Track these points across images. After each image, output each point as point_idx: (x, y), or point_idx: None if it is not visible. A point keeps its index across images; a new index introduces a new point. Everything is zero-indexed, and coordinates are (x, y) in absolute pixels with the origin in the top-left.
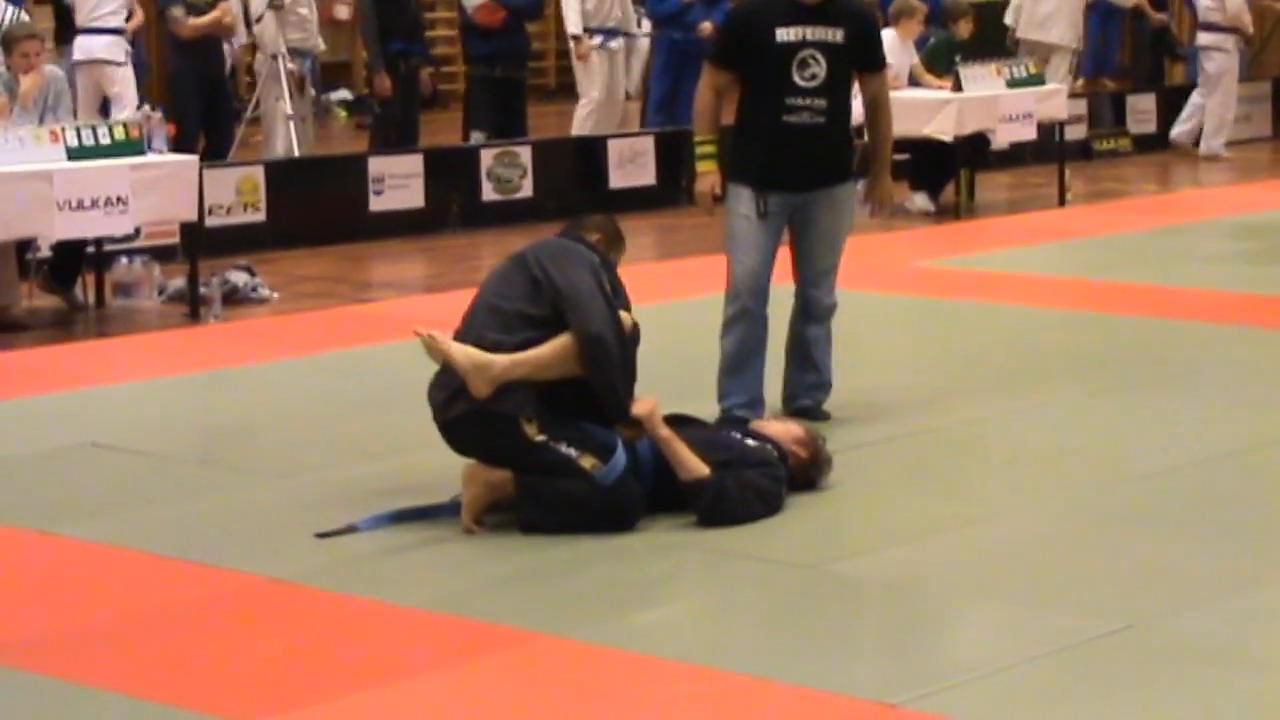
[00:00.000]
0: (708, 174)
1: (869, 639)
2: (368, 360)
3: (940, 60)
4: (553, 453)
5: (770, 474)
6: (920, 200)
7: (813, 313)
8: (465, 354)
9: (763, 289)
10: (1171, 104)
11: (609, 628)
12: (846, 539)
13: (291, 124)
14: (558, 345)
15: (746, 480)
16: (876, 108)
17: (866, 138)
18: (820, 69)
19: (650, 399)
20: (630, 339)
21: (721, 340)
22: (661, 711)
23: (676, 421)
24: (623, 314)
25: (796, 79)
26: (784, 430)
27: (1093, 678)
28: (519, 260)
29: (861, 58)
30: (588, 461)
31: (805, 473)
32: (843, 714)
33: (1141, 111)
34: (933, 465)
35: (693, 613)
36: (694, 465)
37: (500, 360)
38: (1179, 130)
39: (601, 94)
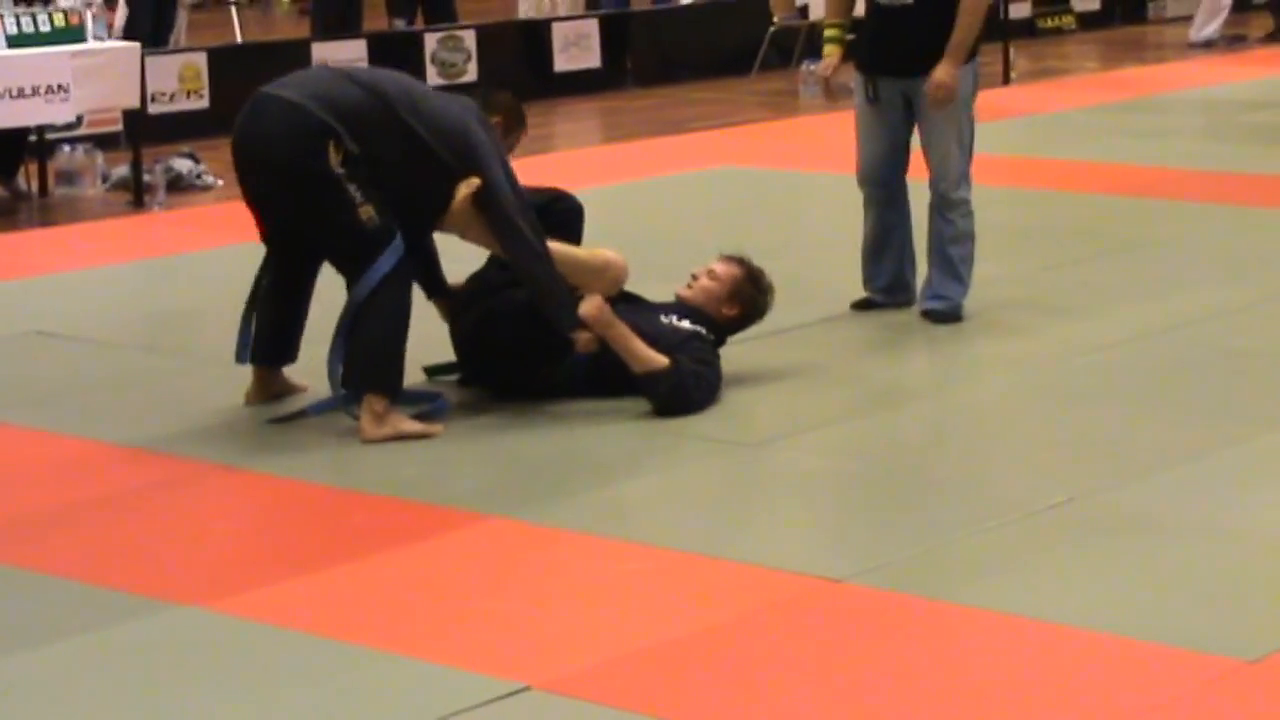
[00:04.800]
0: (826, 57)
1: (813, 515)
2: None
3: None
4: (338, 188)
5: (705, 359)
6: None
7: (937, 205)
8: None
9: (883, 177)
10: None
11: (557, 508)
12: (791, 417)
13: (233, 9)
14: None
15: (699, 374)
16: None
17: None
18: None
19: (596, 299)
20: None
21: (862, 224)
22: (610, 588)
23: (620, 300)
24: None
25: None
26: (708, 292)
27: (1035, 550)
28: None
29: None
30: (365, 212)
31: (744, 322)
32: (788, 589)
33: None
34: (876, 341)
35: (640, 493)
36: (648, 357)
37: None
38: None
39: None
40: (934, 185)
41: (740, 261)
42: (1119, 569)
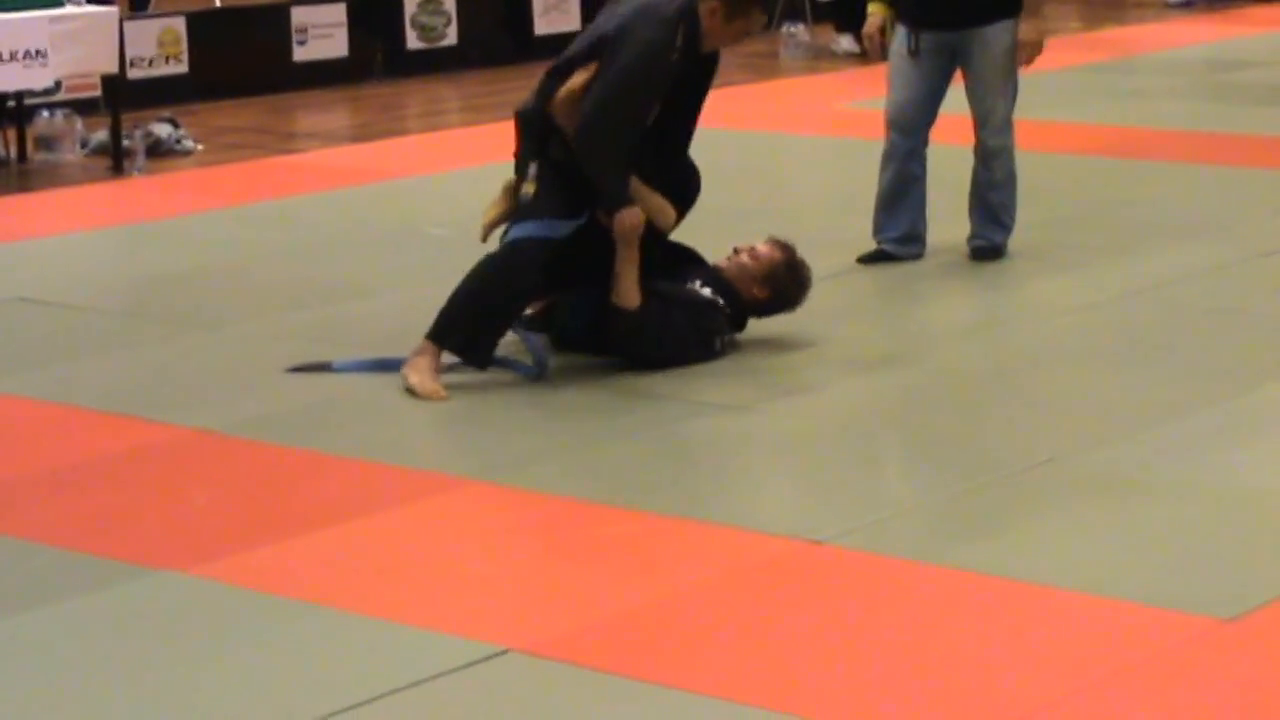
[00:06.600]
0: (872, 15)
1: (795, 478)
2: (294, 210)
3: None
4: (523, 164)
5: (698, 323)
6: (846, 42)
7: (979, 152)
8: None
9: (911, 125)
10: None
11: (537, 472)
12: (776, 380)
13: None
14: None
15: (670, 321)
16: None
17: None
18: None
19: (639, 215)
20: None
21: (879, 176)
22: (590, 551)
23: (675, 254)
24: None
25: None
26: (743, 269)
27: (1015, 509)
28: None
29: None
30: (528, 187)
31: (771, 307)
32: (769, 552)
33: None
34: (857, 305)
35: (622, 456)
36: (628, 292)
37: None
38: None
39: None
40: (978, 134)
41: (785, 248)
42: (1099, 529)
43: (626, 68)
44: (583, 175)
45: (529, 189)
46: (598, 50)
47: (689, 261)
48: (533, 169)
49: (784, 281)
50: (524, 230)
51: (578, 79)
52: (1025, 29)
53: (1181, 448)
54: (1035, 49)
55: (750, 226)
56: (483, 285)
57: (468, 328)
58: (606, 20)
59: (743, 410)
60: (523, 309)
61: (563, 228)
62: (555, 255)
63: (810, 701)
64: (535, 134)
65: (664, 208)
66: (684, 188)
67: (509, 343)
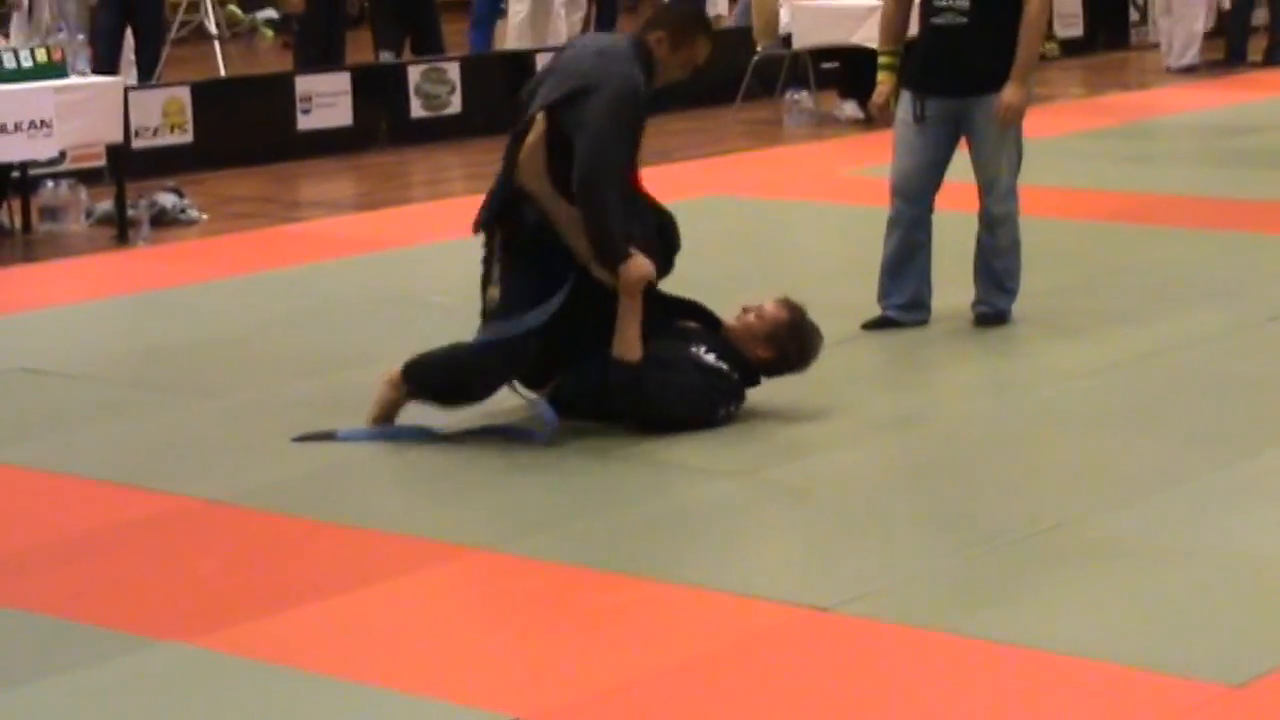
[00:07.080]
0: (881, 84)
1: (799, 544)
2: (299, 279)
3: None
4: (487, 267)
5: (700, 387)
6: (850, 108)
7: (983, 219)
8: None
9: (916, 192)
10: (1099, 7)
11: (542, 540)
12: (779, 445)
13: (216, 43)
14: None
15: (669, 380)
16: (1022, 6)
17: None
18: None
19: (647, 269)
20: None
21: (884, 242)
22: (597, 620)
23: (682, 310)
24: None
25: None
26: (748, 328)
27: (1022, 576)
28: (567, 65)
29: None
30: (492, 294)
31: (774, 368)
32: (775, 619)
33: (1068, 15)
34: (863, 371)
35: (625, 523)
36: (630, 344)
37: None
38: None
39: (529, 4)
40: (983, 200)
41: (792, 309)
42: (1106, 595)
43: (609, 112)
44: (555, 245)
45: (494, 293)
46: (554, 106)
47: (697, 319)
48: (496, 271)
49: (785, 342)
50: (492, 333)
51: (531, 136)
52: (1009, 91)
53: (1189, 513)
54: (1012, 112)
55: (754, 294)
56: (449, 370)
57: (424, 388)
58: (553, 78)
59: (747, 476)
60: (480, 400)
61: (535, 318)
62: (550, 338)
63: None
64: (503, 202)
65: (644, 262)
66: (665, 233)
67: (517, 409)
